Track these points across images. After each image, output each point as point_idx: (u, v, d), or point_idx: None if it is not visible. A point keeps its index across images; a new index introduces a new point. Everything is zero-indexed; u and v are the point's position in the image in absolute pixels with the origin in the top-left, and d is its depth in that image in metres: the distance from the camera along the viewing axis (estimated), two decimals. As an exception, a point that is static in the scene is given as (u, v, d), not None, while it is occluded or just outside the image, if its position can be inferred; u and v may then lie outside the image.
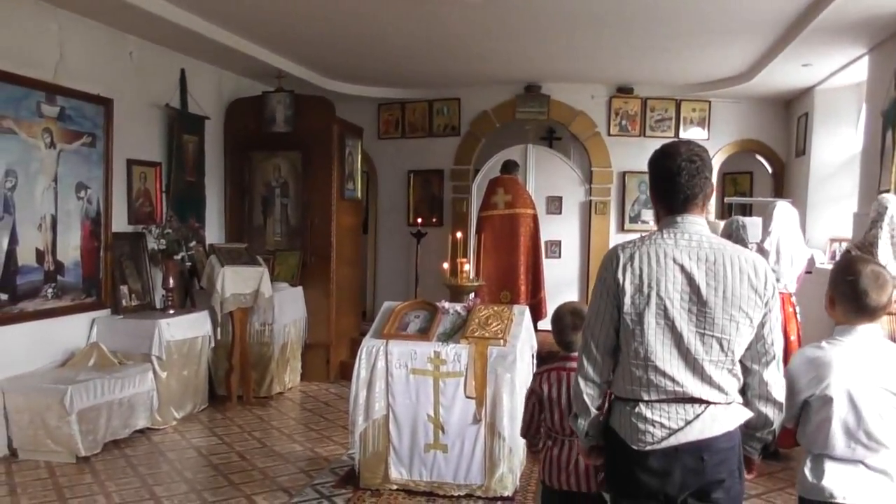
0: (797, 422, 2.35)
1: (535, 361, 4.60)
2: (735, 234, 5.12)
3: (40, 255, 5.13)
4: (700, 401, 2.07)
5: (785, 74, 7.19)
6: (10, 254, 4.89)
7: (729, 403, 2.11)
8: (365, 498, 4.23)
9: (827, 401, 2.21)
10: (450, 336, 4.33)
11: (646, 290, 2.08)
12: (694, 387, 2.07)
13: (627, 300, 2.09)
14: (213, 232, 7.15)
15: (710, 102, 8.63)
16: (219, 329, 6.31)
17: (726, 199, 9.03)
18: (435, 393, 4.20)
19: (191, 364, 5.93)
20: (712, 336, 2.06)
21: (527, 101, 8.59)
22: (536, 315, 6.64)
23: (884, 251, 4.26)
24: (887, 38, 5.70)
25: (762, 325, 2.11)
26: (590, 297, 2.23)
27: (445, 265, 5.01)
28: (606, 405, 2.27)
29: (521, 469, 4.29)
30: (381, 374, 4.24)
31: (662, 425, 2.07)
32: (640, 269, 2.09)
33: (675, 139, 2.26)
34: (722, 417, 2.08)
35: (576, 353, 2.89)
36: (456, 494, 4.22)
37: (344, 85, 8.53)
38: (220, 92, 7.38)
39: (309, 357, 7.30)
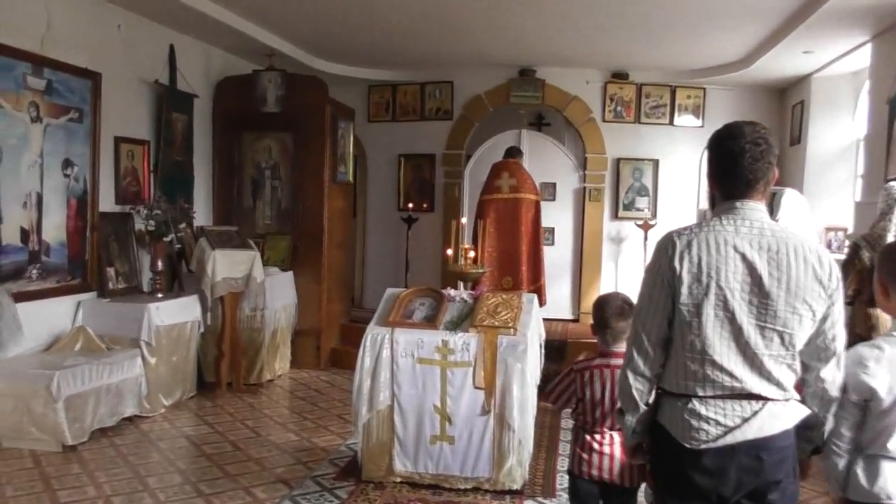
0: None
1: (543, 351, 4.50)
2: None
3: (25, 235, 4.90)
4: (758, 397, 1.97)
5: (784, 61, 7.12)
6: (-7, 233, 4.67)
7: (787, 400, 2.00)
8: (368, 491, 4.10)
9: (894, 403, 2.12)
10: (457, 324, 4.20)
11: (704, 279, 1.96)
12: (752, 383, 1.96)
13: (685, 290, 1.97)
14: (201, 214, 6.91)
15: (704, 90, 8.55)
16: (208, 314, 6.12)
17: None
18: (442, 383, 4.07)
19: (180, 350, 5.74)
20: (774, 329, 1.95)
21: (521, 86, 8.44)
22: (536, 303, 6.55)
23: None
24: (892, 26, 5.64)
25: (824, 318, 2.00)
26: (640, 285, 2.11)
27: (449, 251, 4.86)
28: (653, 400, 2.16)
29: (528, 461, 4.18)
30: (387, 363, 4.10)
31: (718, 422, 1.96)
32: (699, 257, 1.97)
33: (737, 121, 2.13)
34: (781, 415, 1.98)
35: (618, 350, 2.82)
36: (462, 487, 4.10)
37: (334, 65, 8.31)
38: (208, 69, 7.13)
39: (299, 343, 7.14)
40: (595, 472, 2.88)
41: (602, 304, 2.93)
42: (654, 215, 8.54)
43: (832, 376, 2.04)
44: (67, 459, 4.44)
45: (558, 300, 8.45)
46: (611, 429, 2.87)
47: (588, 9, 6.03)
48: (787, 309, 1.95)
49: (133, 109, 6.02)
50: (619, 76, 8.47)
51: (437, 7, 6.15)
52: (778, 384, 1.97)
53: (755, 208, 2.02)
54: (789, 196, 5.01)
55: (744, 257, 1.96)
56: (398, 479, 4.17)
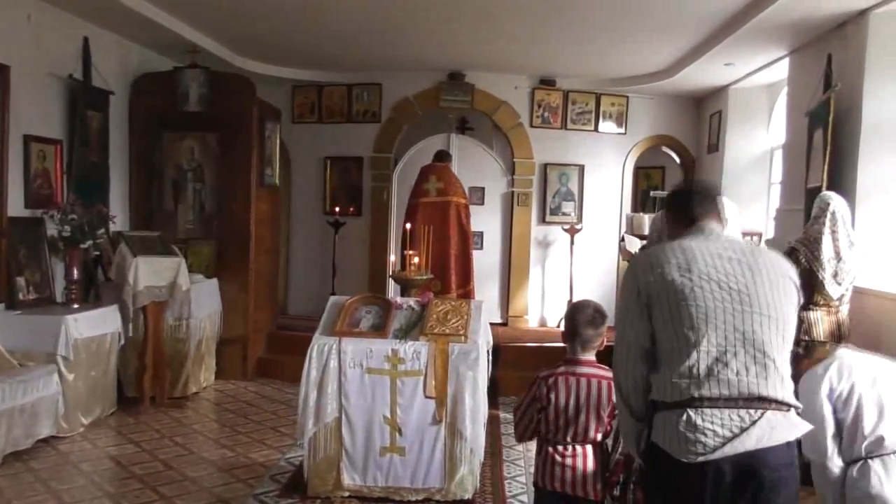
0: None
1: (490, 357, 4.45)
2: (664, 228, 5.14)
3: (-76, 243, 4.46)
4: (757, 406, 1.93)
5: (705, 73, 7.38)
6: None
7: (788, 409, 1.99)
8: (315, 507, 3.94)
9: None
10: (406, 332, 4.10)
11: (697, 289, 1.99)
12: (752, 389, 1.94)
13: (673, 301, 2.00)
14: (117, 218, 6.50)
15: (627, 98, 8.77)
16: (129, 325, 5.76)
17: (652, 193, 9.22)
18: (392, 393, 3.96)
19: (99, 364, 5.37)
20: (778, 332, 2.01)
21: (451, 90, 8.40)
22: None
23: (826, 246, 4.40)
24: (809, 41, 5.92)
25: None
26: (618, 302, 2.13)
27: (393, 258, 4.75)
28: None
29: (479, 469, 4.12)
30: (334, 374, 3.96)
31: (715, 433, 1.91)
32: (687, 262, 2.02)
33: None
34: (780, 425, 1.94)
35: (585, 358, 2.81)
36: (413, 499, 4.00)
37: (257, 64, 8.01)
38: (125, 65, 6.71)
39: (224, 353, 6.82)
40: (558, 485, 2.84)
41: (574, 311, 2.90)
42: (580, 220, 8.69)
43: None
44: (-23, 488, 4.06)
45: (487, 304, 8.39)
46: (574, 440, 2.84)
47: (517, 15, 6.05)
48: (774, 319, 2.00)
49: (44, 106, 5.59)
50: (547, 82, 8.57)
51: (366, 9, 6.02)
52: (776, 389, 1.96)
53: (717, 228, 2.13)
54: (726, 203, 5.04)
55: (730, 259, 2.02)
56: (346, 494, 4.02)
